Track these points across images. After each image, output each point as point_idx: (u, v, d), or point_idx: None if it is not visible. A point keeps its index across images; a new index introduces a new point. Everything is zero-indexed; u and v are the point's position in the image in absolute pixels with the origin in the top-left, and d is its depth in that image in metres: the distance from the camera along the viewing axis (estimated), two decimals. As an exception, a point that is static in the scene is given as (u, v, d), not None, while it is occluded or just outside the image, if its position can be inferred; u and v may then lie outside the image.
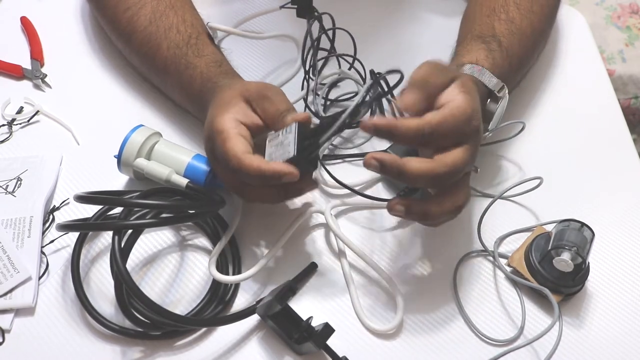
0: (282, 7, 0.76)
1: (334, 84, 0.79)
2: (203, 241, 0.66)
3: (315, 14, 0.73)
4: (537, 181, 0.67)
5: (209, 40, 0.72)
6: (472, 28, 0.73)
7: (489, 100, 0.66)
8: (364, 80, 0.78)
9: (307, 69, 0.74)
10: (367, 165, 0.55)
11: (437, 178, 0.55)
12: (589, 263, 0.63)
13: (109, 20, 0.76)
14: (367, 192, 0.68)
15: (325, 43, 0.76)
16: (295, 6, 0.74)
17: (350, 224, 0.68)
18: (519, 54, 0.72)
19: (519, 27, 0.72)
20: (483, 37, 0.70)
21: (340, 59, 0.79)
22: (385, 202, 0.68)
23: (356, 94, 0.78)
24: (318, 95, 0.77)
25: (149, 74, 0.75)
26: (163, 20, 0.71)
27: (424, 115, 0.56)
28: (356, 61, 0.78)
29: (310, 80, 0.75)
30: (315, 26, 0.73)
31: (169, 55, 0.70)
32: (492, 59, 0.68)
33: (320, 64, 0.79)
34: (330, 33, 0.77)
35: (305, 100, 0.74)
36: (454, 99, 0.56)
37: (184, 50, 0.69)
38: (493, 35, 0.71)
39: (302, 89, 0.77)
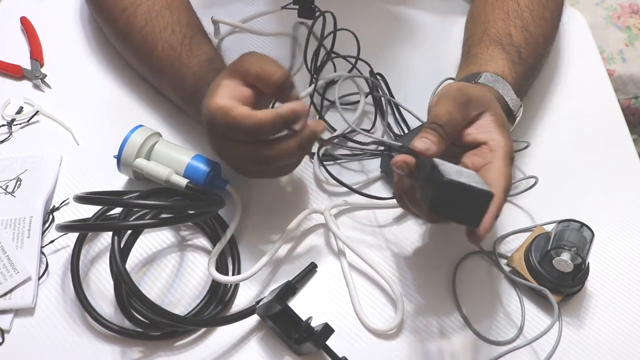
0: (283, 7, 0.76)
1: (333, 83, 0.79)
2: (203, 241, 0.66)
3: (317, 12, 0.73)
4: (533, 180, 0.67)
5: (204, 39, 0.71)
6: (486, 29, 0.72)
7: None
8: (368, 83, 0.78)
9: (311, 70, 0.74)
10: (398, 167, 0.55)
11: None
12: (588, 263, 0.63)
13: (107, 21, 0.76)
14: (367, 192, 0.68)
15: (326, 43, 0.76)
16: (297, 7, 0.74)
17: (350, 223, 0.68)
18: (533, 65, 0.71)
19: (533, 35, 0.71)
20: (501, 43, 0.69)
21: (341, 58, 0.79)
22: (385, 202, 0.68)
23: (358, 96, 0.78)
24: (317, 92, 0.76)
25: (146, 74, 0.75)
26: (159, 20, 0.71)
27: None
28: (358, 61, 0.77)
29: (314, 80, 0.74)
30: (318, 26, 0.73)
31: (163, 56, 0.69)
32: (515, 74, 0.67)
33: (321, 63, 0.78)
34: (333, 34, 0.76)
35: (311, 99, 0.75)
36: (493, 140, 0.56)
37: (178, 51, 0.69)
38: (511, 43, 0.70)
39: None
